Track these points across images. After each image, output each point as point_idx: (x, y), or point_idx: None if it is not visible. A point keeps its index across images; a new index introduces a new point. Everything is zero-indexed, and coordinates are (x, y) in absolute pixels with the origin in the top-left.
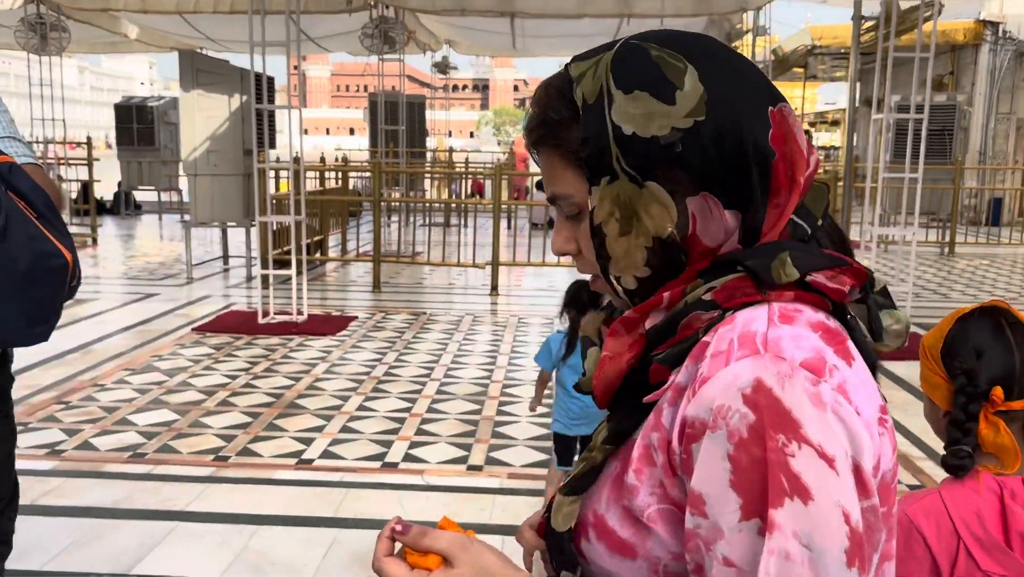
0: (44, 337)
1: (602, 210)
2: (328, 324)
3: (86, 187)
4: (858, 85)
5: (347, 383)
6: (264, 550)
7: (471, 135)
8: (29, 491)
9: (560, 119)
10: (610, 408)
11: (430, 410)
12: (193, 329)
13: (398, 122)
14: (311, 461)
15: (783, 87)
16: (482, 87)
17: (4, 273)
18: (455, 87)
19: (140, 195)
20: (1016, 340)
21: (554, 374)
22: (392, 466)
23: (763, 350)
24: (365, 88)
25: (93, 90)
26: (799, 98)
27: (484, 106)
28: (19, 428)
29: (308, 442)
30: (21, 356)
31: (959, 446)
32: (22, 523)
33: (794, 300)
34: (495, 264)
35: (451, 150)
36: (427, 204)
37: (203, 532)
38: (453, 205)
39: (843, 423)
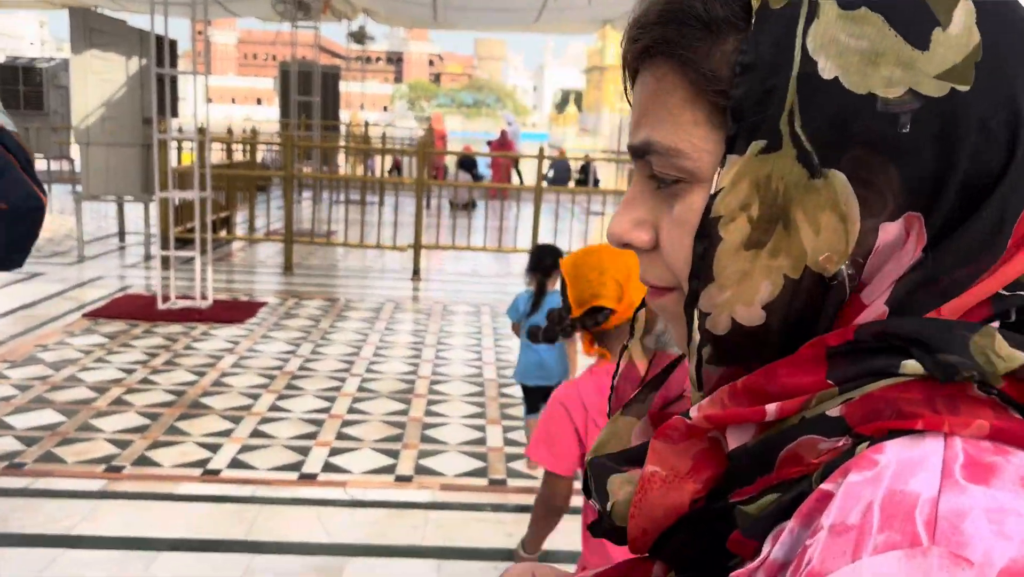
0: (19, 264)
1: (732, 196)
2: (236, 310)
3: None
4: None
5: (257, 379)
6: None
7: (384, 109)
8: None
9: (709, 19)
10: (653, 553)
11: (351, 411)
12: (84, 315)
13: (312, 93)
14: (218, 472)
15: None
16: (396, 60)
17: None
18: (368, 59)
19: None
20: None
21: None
22: (311, 477)
23: (927, 538)
24: (274, 57)
25: None
26: None
27: (398, 79)
28: None
29: (215, 449)
30: None
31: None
32: None
33: (992, 432)
34: (417, 247)
35: (367, 124)
36: (343, 181)
37: (93, 560)
38: (370, 183)
39: None
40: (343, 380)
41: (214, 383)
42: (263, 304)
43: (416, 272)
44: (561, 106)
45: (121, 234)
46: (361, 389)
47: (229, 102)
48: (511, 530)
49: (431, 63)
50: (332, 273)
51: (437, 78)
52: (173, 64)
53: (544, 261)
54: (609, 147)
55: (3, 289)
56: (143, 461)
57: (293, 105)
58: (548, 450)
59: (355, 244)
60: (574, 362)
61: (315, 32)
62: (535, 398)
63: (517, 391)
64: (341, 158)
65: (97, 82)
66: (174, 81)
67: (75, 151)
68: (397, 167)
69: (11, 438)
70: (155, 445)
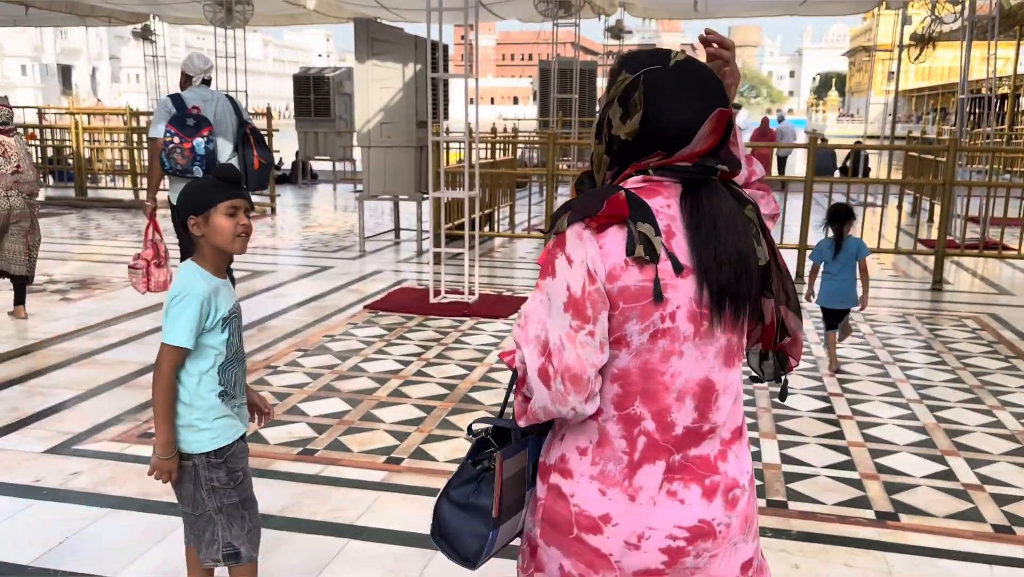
0: (265, 186)
1: (596, 151)
2: (499, 305)
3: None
4: None
5: None
6: None
7: None
8: None
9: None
10: None
11: None
12: (365, 307)
13: (571, 90)
14: None
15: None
16: None
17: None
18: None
19: (316, 164)
20: None
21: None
22: None
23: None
24: (530, 57)
25: (276, 62)
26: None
27: None
28: None
29: None
30: None
31: None
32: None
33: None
34: None
35: None
36: None
37: (374, 554)
38: None
39: (587, 248)
40: None
41: (482, 378)
42: (523, 300)
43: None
44: (820, 91)
45: (396, 230)
46: None
47: (488, 102)
48: (797, 561)
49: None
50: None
51: None
52: (446, 68)
53: (840, 214)
54: (875, 133)
55: (297, 282)
56: (419, 454)
57: (552, 103)
58: None
59: None
60: (867, 290)
61: (575, 29)
62: (833, 318)
63: (792, 402)
64: None
65: (377, 89)
66: (446, 84)
67: (356, 153)
68: None
69: (304, 425)
70: (430, 439)
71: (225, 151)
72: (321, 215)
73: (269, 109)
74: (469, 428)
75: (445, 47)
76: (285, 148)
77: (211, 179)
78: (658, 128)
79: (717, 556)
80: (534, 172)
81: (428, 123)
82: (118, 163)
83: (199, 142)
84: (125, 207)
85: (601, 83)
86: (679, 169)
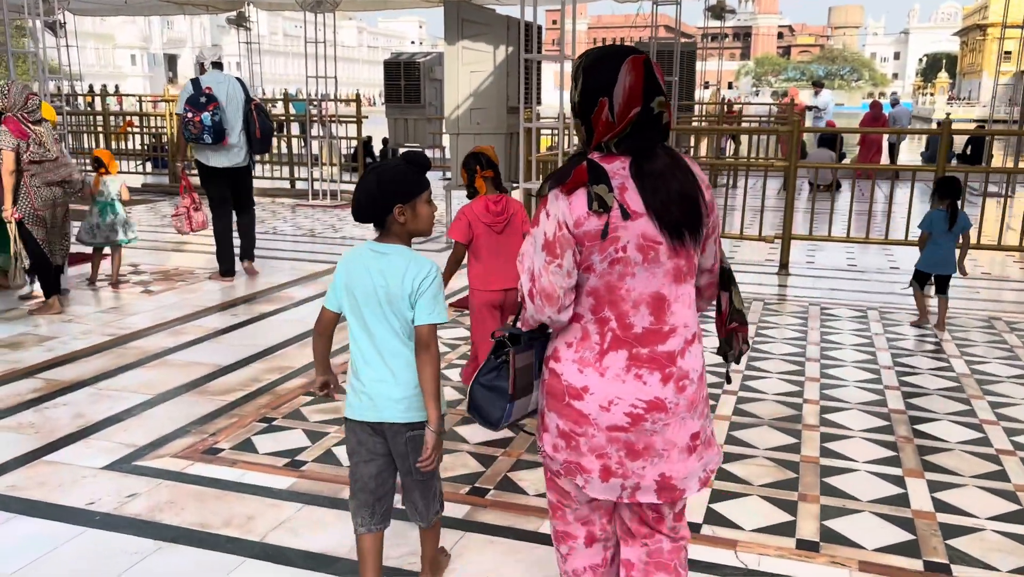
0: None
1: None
2: None
3: (367, 144)
4: None
5: None
6: None
7: (728, 86)
8: (260, 518)
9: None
10: None
11: (731, 440)
12: (451, 304)
13: (671, 72)
14: None
15: None
16: (743, 35)
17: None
18: (713, 36)
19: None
20: None
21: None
22: (692, 529)
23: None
24: (621, 40)
25: (370, 49)
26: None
27: (744, 55)
28: (261, 425)
29: None
30: (275, 331)
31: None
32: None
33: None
34: (786, 237)
35: (728, 102)
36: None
37: None
38: (731, 165)
39: (559, 205)
40: (715, 398)
41: None
42: None
43: (784, 265)
44: (928, 73)
45: None
46: (738, 412)
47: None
48: None
49: (780, 35)
50: None
51: (786, 51)
52: (539, 50)
53: (955, 188)
54: (988, 116)
55: None
56: (506, 485)
57: None
58: None
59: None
60: (964, 256)
61: (676, 8)
62: (942, 283)
63: (937, 429)
64: (691, 139)
65: (467, 72)
66: (538, 68)
67: (445, 139)
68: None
69: None
70: (519, 465)
71: (235, 122)
72: None
73: (358, 95)
74: (492, 334)
75: (539, 28)
76: (375, 135)
77: (406, 166)
78: (591, 86)
79: (670, 425)
80: None
81: (520, 107)
82: None
83: (206, 116)
84: None
85: (700, 66)
86: (628, 143)
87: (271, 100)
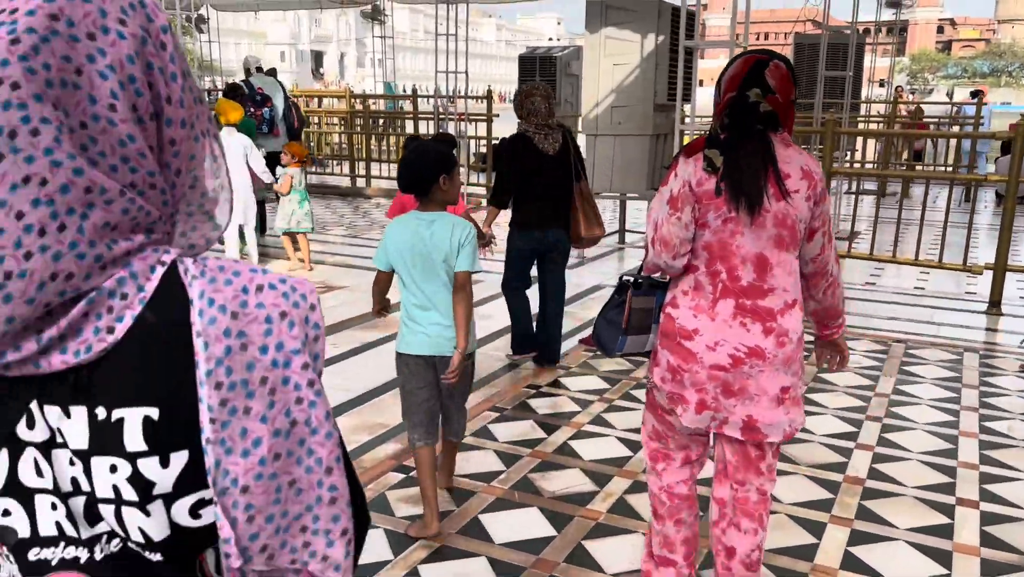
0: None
1: None
2: None
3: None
4: None
5: None
6: None
7: (880, 84)
8: None
9: None
10: None
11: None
12: (580, 341)
13: (843, 67)
14: None
15: None
16: (898, 30)
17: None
18: (866, 31)
19: None
20: None
21: None
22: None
23: None
24: (765, 36)
25: (508, 45)
26: None
27: (900, 52)
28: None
29: None
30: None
31: None
32: None
33: None
34: (1001, 267)
35: (916, 103)
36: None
37: None
38: (926, 176)
39: (686, 167)
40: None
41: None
42: None
43: (995, 303)
44: None
45: (621, 232)
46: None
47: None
48: None
49: (940, 30)
50: (870, 297)
51: (947, 46)
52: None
53: None
54: None
55: (497, 301)
56: (578, 558)
57: (820, 81)
58: None
59: (905, 261)
60: None
61: (855, 0)
62: None
63: None
64: (866, 141)
65: (609, 65)
66: (688, 61)
67: (581, 140)
68: (916, 153)
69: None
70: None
71: (278, 116)
72: None
73: (489, 91)
74: (620, 277)
75: (692, 15)
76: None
77: (439, 145)
78: (720, 76)
79: (764, 372)
80: None
81: (678, 105)
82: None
83: (265, 111)
84: (341, 194)
85: (868, 62)
86: (729, 126)
87: (404, 96)
